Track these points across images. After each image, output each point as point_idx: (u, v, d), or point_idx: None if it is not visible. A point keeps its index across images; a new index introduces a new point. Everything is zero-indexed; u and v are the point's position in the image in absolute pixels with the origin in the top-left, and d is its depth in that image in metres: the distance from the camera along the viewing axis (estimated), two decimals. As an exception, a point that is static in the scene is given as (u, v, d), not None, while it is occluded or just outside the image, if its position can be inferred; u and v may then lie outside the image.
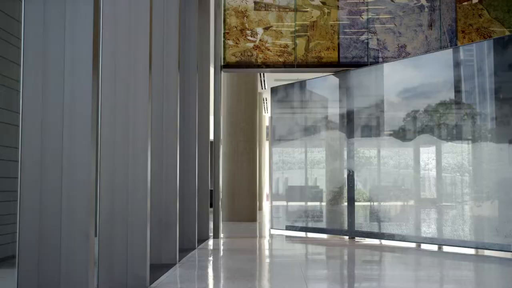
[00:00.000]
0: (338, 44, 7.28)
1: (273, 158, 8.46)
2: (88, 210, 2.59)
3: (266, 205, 19.13)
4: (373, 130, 6.93)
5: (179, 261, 4.91)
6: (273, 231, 8.17)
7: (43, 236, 2.57)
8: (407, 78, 6.53)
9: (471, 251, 5.87)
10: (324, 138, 7.75)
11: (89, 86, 2.66)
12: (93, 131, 2.65)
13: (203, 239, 6.87)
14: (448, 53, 6.08)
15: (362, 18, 7.27)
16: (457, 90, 5.95)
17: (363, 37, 7.25)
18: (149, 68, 3.80)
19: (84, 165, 2.60)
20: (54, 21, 2.67)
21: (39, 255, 2.56)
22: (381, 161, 6.86)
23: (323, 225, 7.61)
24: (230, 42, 7.36)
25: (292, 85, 8.02)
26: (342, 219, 7.34)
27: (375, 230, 6.83)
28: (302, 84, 7.87)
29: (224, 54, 7.39)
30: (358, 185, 7.13)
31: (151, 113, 3.85)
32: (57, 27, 2.68)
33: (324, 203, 7.69)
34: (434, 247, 6.18)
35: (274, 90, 8.31)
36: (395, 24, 7.21)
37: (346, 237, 7.21)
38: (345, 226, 7.20)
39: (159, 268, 4.51)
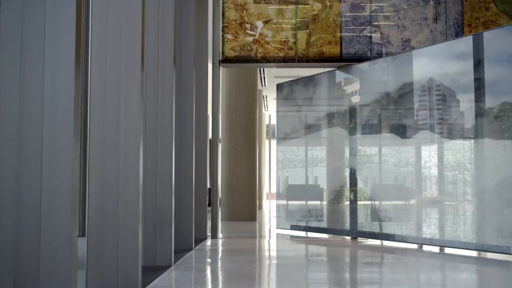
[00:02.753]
0: (340, 39, 7.06)
1: (278, 156, 8.27)
2: (70, 208, 2.37)
3: (266, 204, 18.93)
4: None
5: (174, 263, 4.71)
6: (278, 231, 7.98)
7: (20, 236, 2.36)
8: (412, 71, 6.32)
9: (482, 253, 5.64)
10: (332, 135, 7.55)
11: (71, 78, 2.45)
12: (76, 126, 2.44)
13: (201, 239, 6.67)
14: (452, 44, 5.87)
15: (365, 11, 7.05)
16: (462, 83, 5.73)
17: (366, 31, 7.03)
18: (141, 62, 3.62)
19: (66, 161, 2.39)
20: (33, 10, 2.47)
21: (16, 258, 2.35)
22: (382, 159, 6.66)
23: (329, 225, 7.39)
24: (229, 36, 7.14)
25: (297, 81, 7.79)
26: (350, 219, 7.14)
27: (385, 231, 6.62)
28: (308, 79, 7.63)
29: (222, 49, 7.17)
30: (360, 184, 6.93)
31: (143, 109, 3.65)
32: (37, 16, 2.47)
33: (331, 203, 7.49)
34: (443, 249, 5.96)
35: (279, 87, 8.11)
36: (399, 18, 6.98)
37: (357, 238, 6.99)
38: (358, 227, 6.98)
39: (153, 271, 4.30)
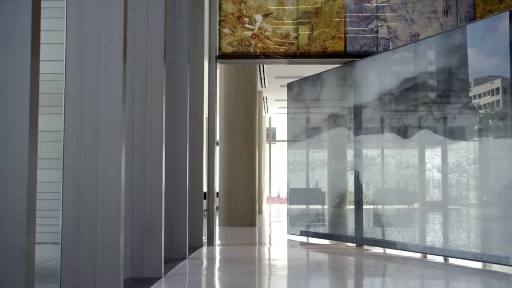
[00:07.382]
0: (345, 33, 6.66)
1: (288, 159, 7.88)
2: (25, 218, 1.97)
3: (266, 208, 18.52)
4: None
5: (165, 274, 4.30)
6: (289, 237, 7.61)
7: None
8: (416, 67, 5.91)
9: (502, 267, 5.21)
10: (338, 136, 7.15)
11: (27, 62, 2.06)
12: (33, 120, 2.04)
13: (196, 246, 6.26)
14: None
15: (371, 4, 6.64)
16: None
17: (372, 25, 6.62)
18: (123, 55, 3.22)
19: (19, 161, 1.99)
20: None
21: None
22: (384, 160, 6.26)
23: (341, 231, 6.94)
24: (226, 31, 6.73)
25: (306, 79, 7.37)
26: (362, 225, 6.73)
27: (399, 240, 6.21)
28: (316, 77, 7.20)
29: (219, 44, 6.76)
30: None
31: (125, 106, 3.26)
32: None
33: (344, 207, 7.07)
34: (458, 261, 5.53)
35: (290, 86, 7.71)
36: (407, 11, 6.58)
37: (363, 245, 6.58)
38: (368, 234, 6.54)
39: (139, 283, 3.90)
